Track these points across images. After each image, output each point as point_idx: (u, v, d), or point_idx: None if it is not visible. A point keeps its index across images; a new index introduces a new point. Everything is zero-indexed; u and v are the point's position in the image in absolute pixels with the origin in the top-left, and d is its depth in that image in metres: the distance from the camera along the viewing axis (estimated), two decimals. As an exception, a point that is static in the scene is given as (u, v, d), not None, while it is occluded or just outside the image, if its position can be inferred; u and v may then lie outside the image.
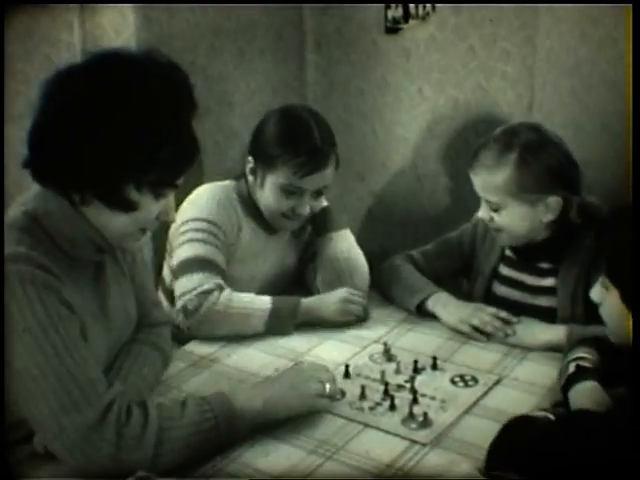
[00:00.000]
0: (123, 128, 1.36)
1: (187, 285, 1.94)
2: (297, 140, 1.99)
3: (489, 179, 1.94)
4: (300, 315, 1.97)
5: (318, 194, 2.07)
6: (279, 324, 1.94)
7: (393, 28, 2.50)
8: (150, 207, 1.44)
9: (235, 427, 1.46)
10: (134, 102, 1.37)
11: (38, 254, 1.37)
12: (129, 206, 1.42)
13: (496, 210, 1.96)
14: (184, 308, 1.92)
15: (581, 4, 2.37)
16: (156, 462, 1.36)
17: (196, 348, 1.91)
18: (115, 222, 1.44)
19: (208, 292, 1.92)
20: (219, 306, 1.91)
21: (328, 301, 2.01)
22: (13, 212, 1.45)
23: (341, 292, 2.02)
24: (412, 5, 2.46)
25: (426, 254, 2.22)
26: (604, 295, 1.52)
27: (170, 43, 2.19)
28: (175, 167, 1.43)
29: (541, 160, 1.90)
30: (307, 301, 2.00)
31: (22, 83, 2.01)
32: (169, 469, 1.37)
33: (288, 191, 2.02)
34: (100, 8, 2.13)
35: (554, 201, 1.91)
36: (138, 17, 2.15)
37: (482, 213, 2.01)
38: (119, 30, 2.15)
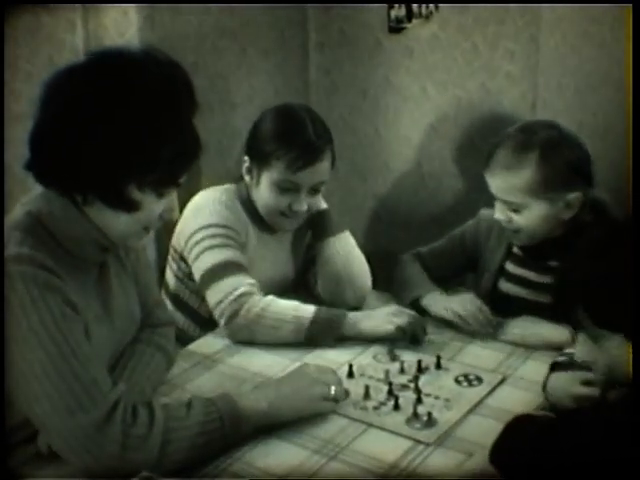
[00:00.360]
0: (124, 128, 1.36)
1: (222, 290, 1.90)
2: (290, 135, 1.97)
3: (509, 180, 1.89)
4: (345, 328, 1.90)
5: (315, 191, 2.04)
6: (320, 335, 1.89)
7: (396, 28, 2.50)
8: (153, 206, 1.44)
9: (240, 428, 1.46)
10: (135, 101, 1.37)
11: (41, 255, 1.37)
12: (131, 206, 1.42)
13: (516, 211, 1.92)
14: (223, 314, 1.89)
15: (583, 4, 2.37)
16: (161, 462, 1.36)
17: (200, 348, 1.90)
18: (118, 222, 1.44)
19: (245, 295, 1.89)
20: (256, 309, 1.88)
21: (375, 314, 1.94)
22: (16, 213, 1.45)
23: (390, 307, 1.97)
24: (415, 4, 2.46)
25: (433, 251, 2.20)
26: (597, 351, 1.43)
27: (173, 43, 2.18)
28: (177, 166, 1.43)
29: (562, 157, 1.87)
30: (353, 314, 1.94)
31: (25, 83, 2.00)
32: (173, 469, 1.37)
33: (283, 187, 2.00)
34: (103, 8, 2.13)
35: (575, 197, 1.89)
36: (141, 17, 2.14)
37: (498, 214, 1.96)
38: (122, 30, 2.15)
